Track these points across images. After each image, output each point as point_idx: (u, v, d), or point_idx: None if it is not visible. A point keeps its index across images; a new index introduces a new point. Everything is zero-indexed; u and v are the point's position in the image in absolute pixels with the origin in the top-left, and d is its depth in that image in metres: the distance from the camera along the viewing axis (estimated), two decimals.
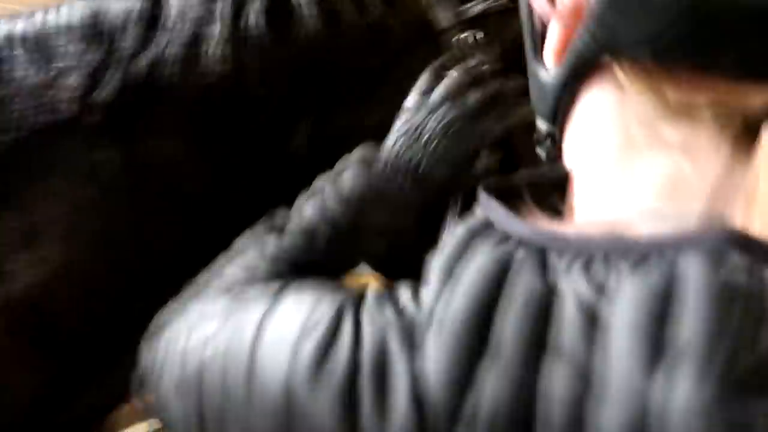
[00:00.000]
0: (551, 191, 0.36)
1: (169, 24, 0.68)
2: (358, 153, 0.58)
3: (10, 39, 0.69)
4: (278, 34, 0.69)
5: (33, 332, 0.66)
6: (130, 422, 1.27)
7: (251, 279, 0.49)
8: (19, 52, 0.67)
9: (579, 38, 0.32)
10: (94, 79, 0.66)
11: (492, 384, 0.28)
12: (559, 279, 0.29)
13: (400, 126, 0.59)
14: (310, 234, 0.54)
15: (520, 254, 0.30)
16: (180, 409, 0.42)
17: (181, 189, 0.64)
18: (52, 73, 0.66)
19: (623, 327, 0.26)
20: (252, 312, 0.38)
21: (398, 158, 0.57)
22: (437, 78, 0.60)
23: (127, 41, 0.67)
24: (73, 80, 0.66)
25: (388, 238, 0.57)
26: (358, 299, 0.34)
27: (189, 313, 0.45)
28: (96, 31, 0.68)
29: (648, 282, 0.26)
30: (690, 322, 0.25)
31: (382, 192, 0.56)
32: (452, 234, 0.33)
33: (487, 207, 0.34)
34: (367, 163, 0.57)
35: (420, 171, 0.56)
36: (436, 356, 0.29)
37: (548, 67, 0.36)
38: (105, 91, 0.65)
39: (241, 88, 0.68)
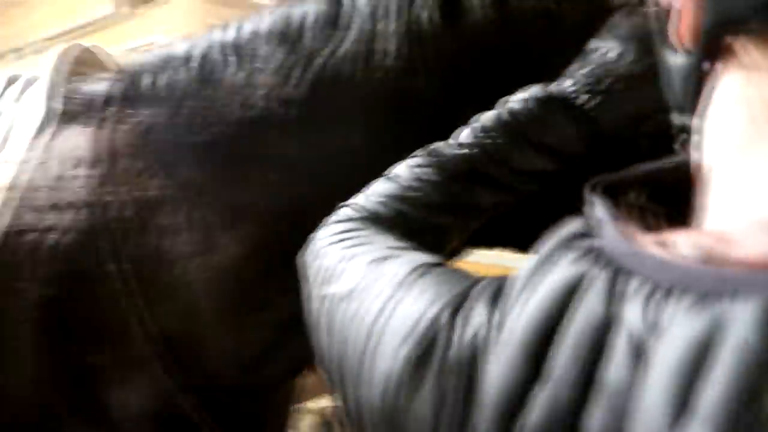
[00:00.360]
0: (674, 190, 0.32)
1: (347, 22, 0.74)
2: (529, 89, 0.57)
3: (214, 46, 0.79)
4: (448, 25, 0.71)
5: (234, 298, 0.77)
6: (317, 393, 1.37)
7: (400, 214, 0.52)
8: (222, 57, 0.78)
9: (697, 15, 0.29)
10: (283, 76, 0.73)
11: (538, 411, 0.26)
12: (622, 307, 0.26)
13: (582, 67, 0.56)
14: (465, 159, 0.54)
15: (594, 273, 0.27)
16: (314, 337, 0.45)
17: (357, 180, 0.69)
18: (248, 73, 0.75)
19: (661, 371, 0.23)
20: (381, 292, 0.39)
21: (572, 98, 0.55)
22: (635, 28, 0.56)
23: (310, 41, 0.74)
24: (266, 79, 0.74)
25: (534, 185, 0.55)
26: (464, 296, 0.34)
27: (337, 252, 0.47)
28: (284, 34, 0.76)
29: (695, 325, 0.23)
30: (718, 385, 0.21)
31: (543, 129, 0.54)
32: (548, 239, 0.32)
33: (591, 208, 0.32)
34: (537, 99, 0.55)
35: (591, 116, 0.53)
36: (495, 372, 0.29)
37: (676, 52, 0.32)
38: (292, 88, 0.73)
39: (412, 81, 0.71)
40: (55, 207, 0.79)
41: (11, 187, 0.83)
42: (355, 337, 0.38)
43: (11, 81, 1.01)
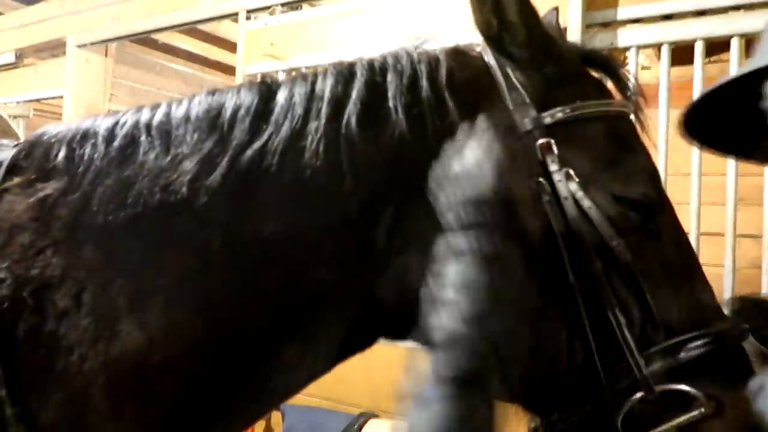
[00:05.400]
0: None
1: (276, 119, 0.77)
2: None
3: (140, 126, 0.78)
4: (370, 133, 0.76)
5: (135, 392, 0.73)
6: None
7: None
8: (147, 138, 0.77)
9: None
10: (210, 165, 0.74)
11: None
12: None
13: None
14: None
15: None
16: None
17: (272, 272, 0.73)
18: (172, 158, 0.75)
19: None
20: None
21: None
22: None
23: (241, 133, 0.76)
24: (191, 166, 0.74)
25: None
26: None
27: None
28: (214, 123, 0.77)
29: None
30: None
31: None
32: None
33: None
34: None
35: None
36: None
37: None
38: (218, 177, 0.73)
39: (339, 183, 0.75)
40: None
41: None
42: None
43: None
